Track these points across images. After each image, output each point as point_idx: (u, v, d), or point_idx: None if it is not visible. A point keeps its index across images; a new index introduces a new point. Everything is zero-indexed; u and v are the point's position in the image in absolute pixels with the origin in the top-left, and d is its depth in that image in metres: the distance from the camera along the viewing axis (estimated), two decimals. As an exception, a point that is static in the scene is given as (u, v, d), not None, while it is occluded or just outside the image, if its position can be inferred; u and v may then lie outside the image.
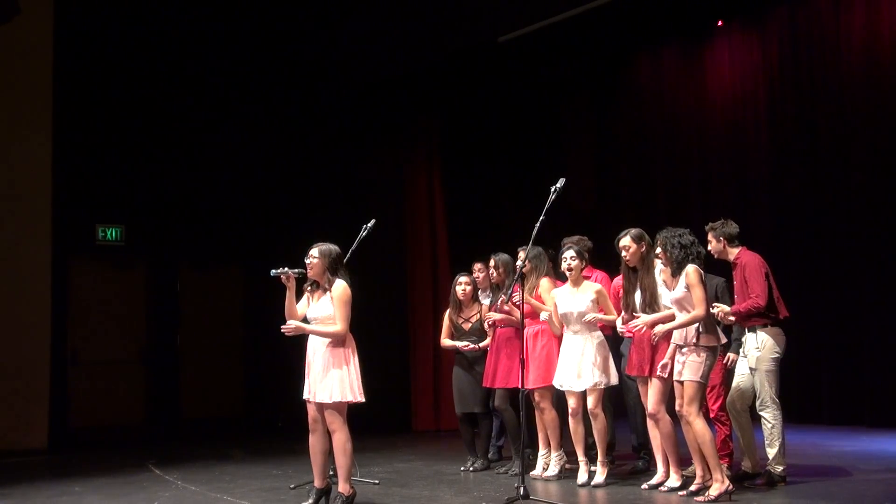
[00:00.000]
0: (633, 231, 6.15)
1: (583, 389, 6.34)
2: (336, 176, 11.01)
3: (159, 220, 10.43)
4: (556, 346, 6.64)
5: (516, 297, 6.33)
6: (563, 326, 6.46)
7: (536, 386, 6.59)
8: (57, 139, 9.72)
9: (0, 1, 8.73)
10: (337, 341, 5.53)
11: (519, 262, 6.46)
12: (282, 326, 5.54)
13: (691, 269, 5.60)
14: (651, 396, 5.95)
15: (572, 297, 6.42)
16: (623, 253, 6.12)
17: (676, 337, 5.70)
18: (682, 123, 10.74)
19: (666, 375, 5.83)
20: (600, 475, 6.32)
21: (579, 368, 6.33)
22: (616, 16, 8.62)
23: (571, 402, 6.42)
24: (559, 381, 6.45)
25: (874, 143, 9.02)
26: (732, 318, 6.05)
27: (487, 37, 8.86)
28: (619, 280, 6.58)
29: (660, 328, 5.78)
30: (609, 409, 6.67)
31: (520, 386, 6.08)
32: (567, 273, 6.42)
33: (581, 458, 6.44)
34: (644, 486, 6.10)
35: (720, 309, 5.88)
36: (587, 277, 6.67)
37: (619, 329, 6.34)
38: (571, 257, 6.40)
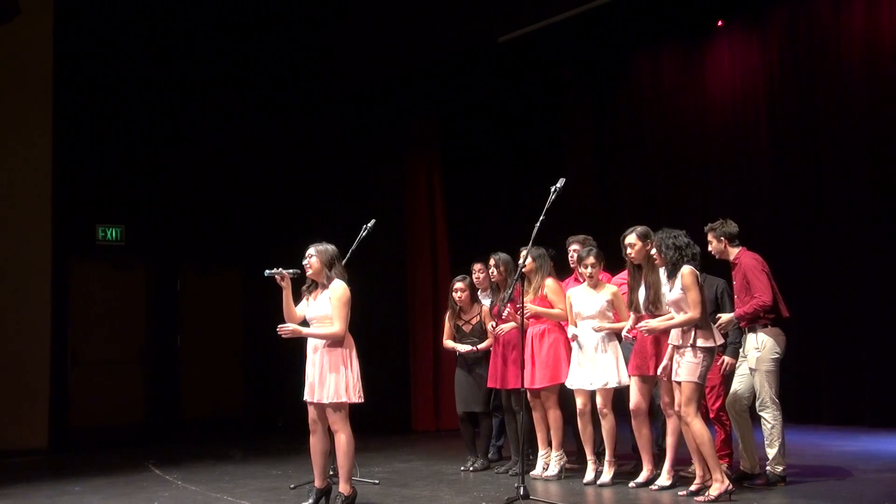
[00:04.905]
0: (639, 229, 6.14)
1: (594, 389, 6.35)
2: (336, 176, 11.01)
3: (159, 220, 10.42)
4: (564, 346, 6.66)
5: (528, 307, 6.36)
6: (577, 326, 6.48)
7: (543, 385, 6.60)
8: (57, 139, 9.72)
9: (0, 1, 8.72)
10: (335, 342, 5.53)
11: (521, 262, 6.44)
12: (278, 326, 5.53)
13: (686, 271, 5.59)
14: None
15: (589, 297, 6.43)
16: (628, 250, 6.11)
17: (673, 337, 5.70)
18: (682, 123, 10.74)
19: (665, 378, 5.84)
20: (607, 474, 6.33)
21: (592, 368, 6.34)
22: (616, 16, 8.62)
23: (580, 402, 6.44)
24: (570, 381, 6.46)
25: (874, 143, 9.02)
26: (740, 324, 6.05)
27: (487, 37, 8.86)
28: (619, 277, 6.59)
29: (653, 324, 5.78)
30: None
31: (521, 385, 6.08)
32: (587, 280, 6.45)
33: (590, 456, 6.47)
34: (631, 484, 6.15)
35: (720, 323, 5.89)
36: None
37: (622, 333, 6.33)
38: (592, 264, 6.39)
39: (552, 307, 6.69)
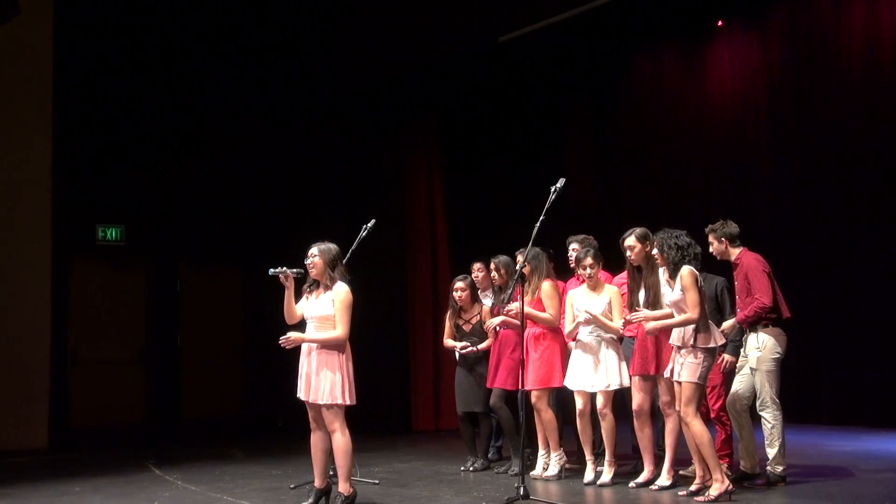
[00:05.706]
0: (638, 230, 6.16)
1: (595, 391, 6.35)
2: (336, 176, 11.02)
3: (159, 220, 10.43)
4: (558, 349, 6.66)
5: (515, 305, 6.34)
6: (576, 327, 6.47)
7: (535, 387, 6.60)
8: (57, 139, 9.73)
9: (0, 1, 8.73)
10: (332, 344, 5.53)
11: (518, 265, 6.44)
12: (280, 339, 5.51)
13: (685, 272, 5.59)
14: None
15: (589, 298, 6.43)
16: (628, 252, 6.13)
17: (674, 338, 5.70)
18: (682, 123, 10.73)
19: (671, 377, 5.84)
20: (607, 474, 6.33)
21: (593, 369, 6.35)
22: (616, 16, 8.62)
23: (579, 403, 6.44)
24: (570, 382, 6.46)
25: (874, 143, 9.02)
26: (742, 326, 6.05)
27: (487, 37, 8.86)
28: (619, 278, 6.59)
29: (652, 324, 5.79)
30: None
31: (520, 386, 6.08)
32: (587, 281, 6.44)
33: (588, 456, 6.47)
34: (631, 484, 6.16)
35: (724, 330, 5.91)
36: None
37: (620, 330, 6.33)
38: (590, 265, 6.38)
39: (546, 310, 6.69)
